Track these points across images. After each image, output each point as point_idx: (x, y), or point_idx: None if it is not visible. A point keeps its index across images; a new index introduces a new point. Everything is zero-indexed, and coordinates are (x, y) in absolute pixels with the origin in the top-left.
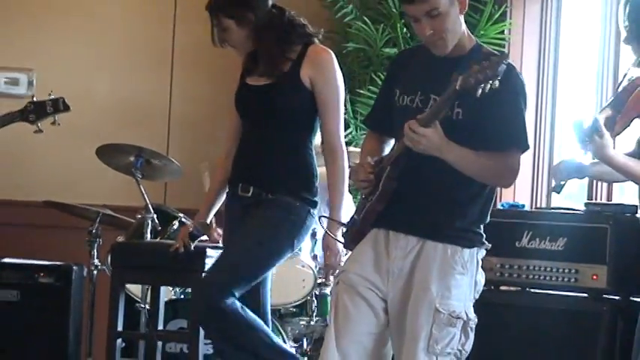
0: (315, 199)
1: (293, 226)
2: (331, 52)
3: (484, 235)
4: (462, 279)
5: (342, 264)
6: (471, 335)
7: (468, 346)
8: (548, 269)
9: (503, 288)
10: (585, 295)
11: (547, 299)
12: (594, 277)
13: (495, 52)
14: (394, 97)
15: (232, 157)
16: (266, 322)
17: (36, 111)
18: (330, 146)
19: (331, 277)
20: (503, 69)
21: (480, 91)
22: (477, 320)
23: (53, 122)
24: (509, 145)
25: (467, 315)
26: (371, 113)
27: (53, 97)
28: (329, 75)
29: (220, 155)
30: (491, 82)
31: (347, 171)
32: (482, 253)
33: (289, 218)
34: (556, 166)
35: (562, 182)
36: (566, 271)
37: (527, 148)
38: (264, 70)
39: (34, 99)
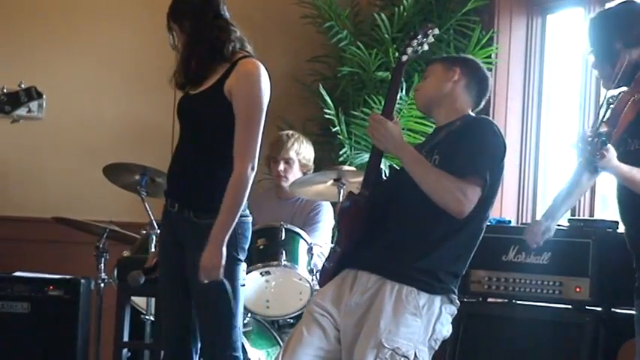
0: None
1: (229, 245)
2: (259, 65)
3: (452, 289)
4: (414, 320)
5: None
6: None
7: None
8: (534, 282)
9: (490, 300)
10: (569, 306)
11: (532, 311)
12: (577, 289)
13: (483, 117)
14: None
15: None
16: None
17: (10, 102)
18: (234, 157)
19: None
20: (425, 33)
21: (409, 52)
22: None
23: (28, 111)
24: (468, 172)
25: (415, 356)
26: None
27: (24, 86)
28: (246, 85)
29: None
30: (416, 41)
31: (243, 186)
32: (450, 309)
33: None
34: (529, 230)
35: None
36: (551, 283)
37: (484, 178)
38: (192, 78)
39: (5, 90)
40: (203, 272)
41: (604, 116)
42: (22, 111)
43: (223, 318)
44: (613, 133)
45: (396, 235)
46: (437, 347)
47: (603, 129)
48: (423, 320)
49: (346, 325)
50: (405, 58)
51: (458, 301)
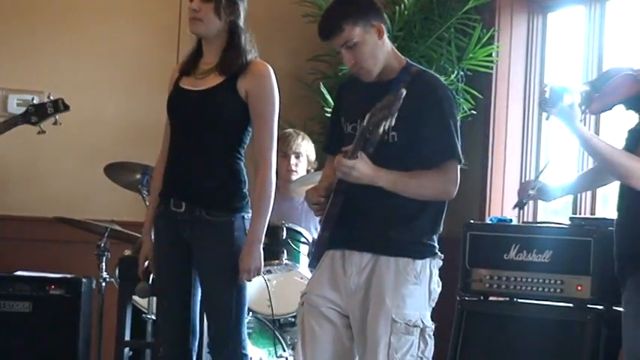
0: (244, 202)
1: (240, 241)
2: (270, 67)
3: (437, 246)
4: (416, 289)
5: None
6: (430, 342)
7: (429, 352)
8: (535, 280)
9: (492, 298)
10: (570, 305)
11: (534, 309)
12: (579, 287)
13: (424, 69)
14: (341, 124)
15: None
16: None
17: (37, 113)
18: (258, 159)
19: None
20: (397, 107)
21: (381, 129)
22: (434, 326)
23: (55, 122)
24: (441, 159)
25: (423, 322)
26: (327, 139)
27: (52, 98)
28: (264, 87)
29: (157, 164)
30: (389, 119)
31: (272, 186)
32: (438, 263)
33: (234, 237)
34: (523, 185)
35: (524, 201)
36: (552, 282)
37: (458, 157)
38: (222, 67)
39: (34, 101)
40: (245, 273)
41: (590, 80)
42: (48, 122)
43: (236, 316)
44: (595, 96)
45: (377, 213)
46: (434, 305)
47: (584, 89)
48: (422, 286)
49: (353, 308)
50: (381, 131)
51: (441, 254)
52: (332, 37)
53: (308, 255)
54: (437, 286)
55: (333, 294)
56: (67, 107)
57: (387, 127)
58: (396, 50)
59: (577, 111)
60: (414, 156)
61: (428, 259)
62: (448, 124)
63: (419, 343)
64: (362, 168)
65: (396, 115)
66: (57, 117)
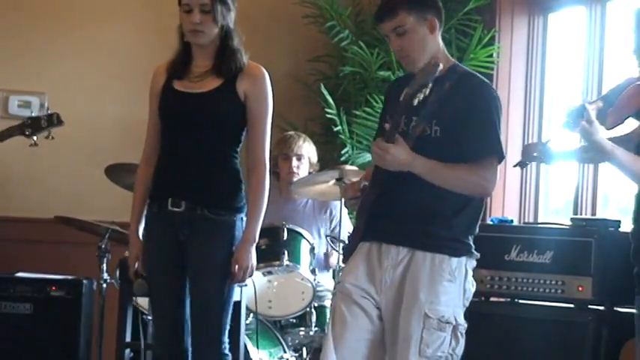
0: (243, 202)
1: (231, 244)
2: (264, 68)
3: (472, 246)
4: (450, 286)
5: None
6: (462, 340)
7: (459, 350)
8: (536, 281)
9: (493, 299)
10: (571, 305)
11: (535, 310)
12: (580, 288)
13: (471, 71)
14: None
15: (153, 165)
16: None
17: (32, 125)
18: (254, 158)
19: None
20: (432, 78)
21: (416, 100)
22: (466, 325)
23: (47, 136)
24: (482, 154)
25: (456, 320)
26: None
27: (49, 112)
28: (263, 90)
29: (140, 164)
30: (424, 89)
31: (267, 185)
32: (472, 263)
33: (235, 237)
34: (527, 146)
35: (527, 162)
36: (553, 282)
37: (500, 155)
38: (220, 69)
39: (33, 114)
40: (242, 271)
41: (603, 95)
42: (41, 136)
43: (223, 315)
44: (609, 111)
45: (417, 208)
46: (468, 305)
47: (597, 105)
48: (457, 283)
49: (387, 302)
50: (416, 102)
51: (477, 253)
52: (384, 20)
53: (342, 251)
54: (471, 286)
55: (369, 285)
56: (60, 122)
57: (421, 99)
58: (446, 52)
59: (597, 126)
60: (454, 151)
61: (464, 258)
62: (494, 121)
63: (450, 340)
64: (396, 152)
65: (430, 85)
66: (50, 131)
